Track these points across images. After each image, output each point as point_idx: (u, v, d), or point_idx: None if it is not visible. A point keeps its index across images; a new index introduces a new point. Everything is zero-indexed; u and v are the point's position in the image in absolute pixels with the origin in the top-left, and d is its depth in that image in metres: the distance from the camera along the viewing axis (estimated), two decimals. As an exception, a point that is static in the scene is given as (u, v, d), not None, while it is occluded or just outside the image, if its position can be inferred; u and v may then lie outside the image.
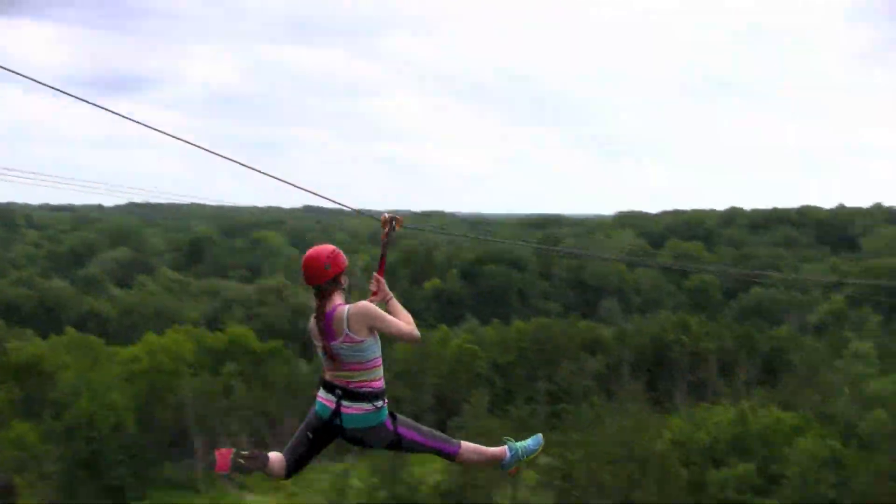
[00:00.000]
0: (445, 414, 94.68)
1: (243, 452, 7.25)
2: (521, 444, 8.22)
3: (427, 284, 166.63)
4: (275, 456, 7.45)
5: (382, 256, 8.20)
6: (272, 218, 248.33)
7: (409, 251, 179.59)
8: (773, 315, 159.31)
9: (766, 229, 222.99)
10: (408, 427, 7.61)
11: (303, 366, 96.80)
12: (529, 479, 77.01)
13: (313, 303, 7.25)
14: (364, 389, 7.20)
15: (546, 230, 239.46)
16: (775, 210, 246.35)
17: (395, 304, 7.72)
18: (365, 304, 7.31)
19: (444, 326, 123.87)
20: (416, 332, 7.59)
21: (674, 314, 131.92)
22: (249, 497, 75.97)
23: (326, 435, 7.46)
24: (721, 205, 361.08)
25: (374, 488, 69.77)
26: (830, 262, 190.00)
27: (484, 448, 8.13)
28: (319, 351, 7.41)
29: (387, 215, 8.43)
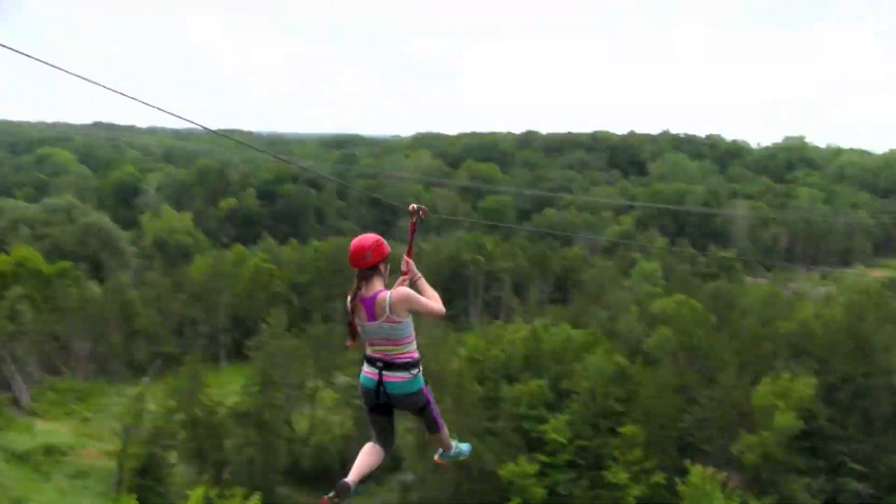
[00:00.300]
0: (242, 334, 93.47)
1: (333, 497, 8.63)
2: (463, 446, 9.30)
3: (222, 203, 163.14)
4: (365, 455, 9.08)
5: (411, 241, 8.90)
6: (60, 134, 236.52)
7: (204, 169, 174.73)
8: (565, 235, 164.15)
9: (560, 153, 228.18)
10: (431, 396, 8.63)
11: (93, 287, 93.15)
12: (328, 398, 77.09)
13: (353, 284, 8.11)
14: (401, 360, 8.16)
15: (344, 150, 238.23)
16: (570, 134, 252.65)
17: (424, 284, 8.67)
18: (405, 290, 8.18)
19: (239, 246, 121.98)
20: (443, 309, 8.63)
21: (469, 233, 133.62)
22: (40, 424, 72.69)
23: (383, 403, 8.49)
24: (517, 128, 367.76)
25: (170, 411, 67.98)
26: (621, 186, 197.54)
27: (447, 436, 9.17)
28: (367, 327, 8.19)
29: (414, 206, 9.15)
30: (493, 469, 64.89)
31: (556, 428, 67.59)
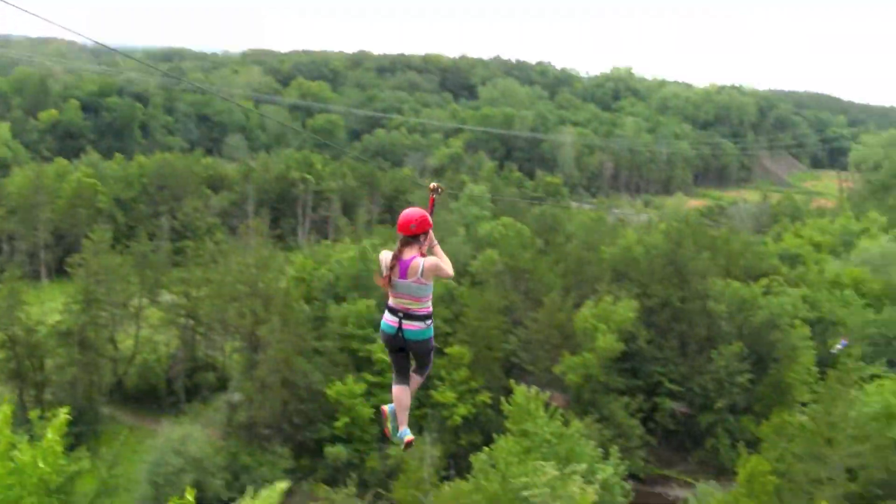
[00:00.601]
0: (63, 250, 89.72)
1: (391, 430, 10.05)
2: (403, 432, 10.01)
3: (43, 115, 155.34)
4: (398, 393, 9.94)
5: (430, 213, 9.88)
6: None
7: (22, 78, 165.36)
8: (395, 157, 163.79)
9: (391, 74, 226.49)
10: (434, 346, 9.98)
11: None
12: (153, 317, 74.98)
13: (397, 246, 9.38)
14: (418, 313, 9.44)
15: (172, 63, 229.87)
16: (402, 56, 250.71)
17: (439, 250, 9.88)
18: (435, 261, 9.46)
19: (61, 160, 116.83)
20: (452, 272, 9.72)
21: (298, 152, 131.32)
22: None
23: (401, 346, 9.68)
24: (349, 48, 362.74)
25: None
26: (451, 109, 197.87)
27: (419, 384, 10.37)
28: (395, 280, 9.37)
29: (433, 184, 10.57)
30: (320, 388, 64.46)
31: (382, 348, 67.31)
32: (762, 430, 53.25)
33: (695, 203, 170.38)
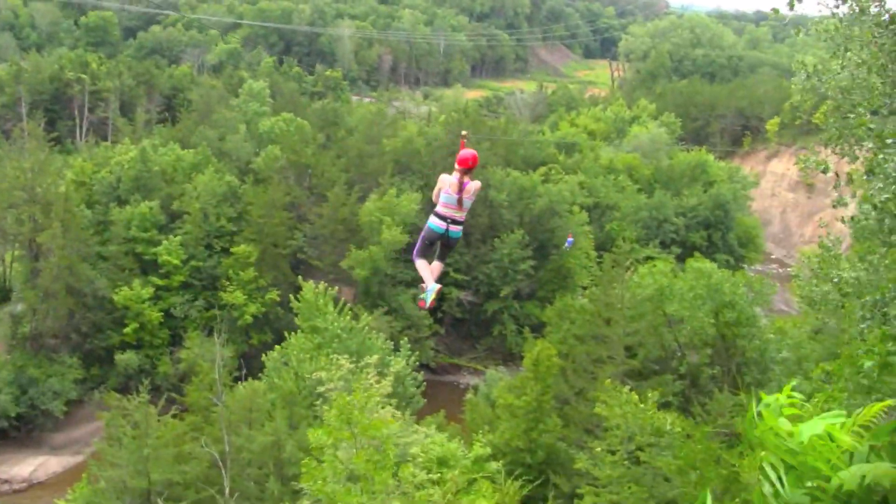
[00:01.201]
0: None
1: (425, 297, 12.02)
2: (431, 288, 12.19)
3: None
4: (436, 266, 12.26)
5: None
6: None
7: None
8: (172, 53, 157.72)
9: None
10: None
11: None
12: None
13: (460, 175, 11.41)
14: (460, 220, 11.76)
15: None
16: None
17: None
18: (478, 184, 11.93)
19: None
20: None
21: (72, 51, 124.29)
22: None
23: (443, 242, 11.99)
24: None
25: None
26: (227, 4, 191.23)
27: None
28: (447, 196, 11.56)
29: (464, 132, 13.77)
30: (107, 294, 62.47)
31: (169, 250, 65.79)
32: (546, 315, 55.31)
33: (473, 94, 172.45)
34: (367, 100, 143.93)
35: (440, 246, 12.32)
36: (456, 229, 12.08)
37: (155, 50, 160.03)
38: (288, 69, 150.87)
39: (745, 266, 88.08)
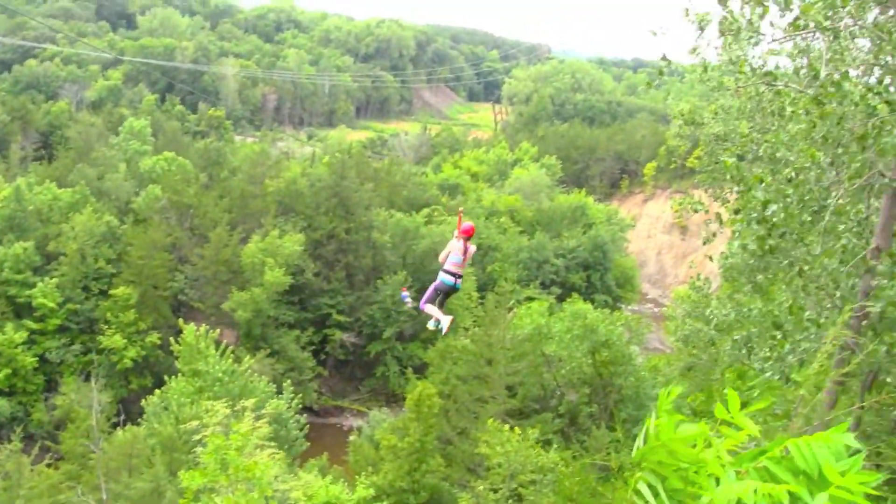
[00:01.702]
0: None
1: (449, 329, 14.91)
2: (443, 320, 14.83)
3: None
4: (443, 312, 14.65)
5: (460, 224, 14.70)
6: None
7: None
8: (49, 89, 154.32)
9: (43, 1, 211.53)
10: None
11: None
12: None
13: (463, 242, 14.16)
14: (461, 274, 14.46)
15: None
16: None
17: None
18: (474, 247, 14.68)
19: None
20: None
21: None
22: None
23: (448, 293, 14.71)
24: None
25: None
26: (108, 39, 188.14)
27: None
28: (455, 257, 14.29)
29: (460, 209, 16.78)
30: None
31: (44, 292, 64.05)
32: (428, 356, 55.89)
33: (357, 135, 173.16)
34: (250, 139, 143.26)
35: (443, 295, 15.29)
36: (460, 282, 15.15)
37: (31, 85, 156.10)
38: (170, 107, 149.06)
39: (623, 306, 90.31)
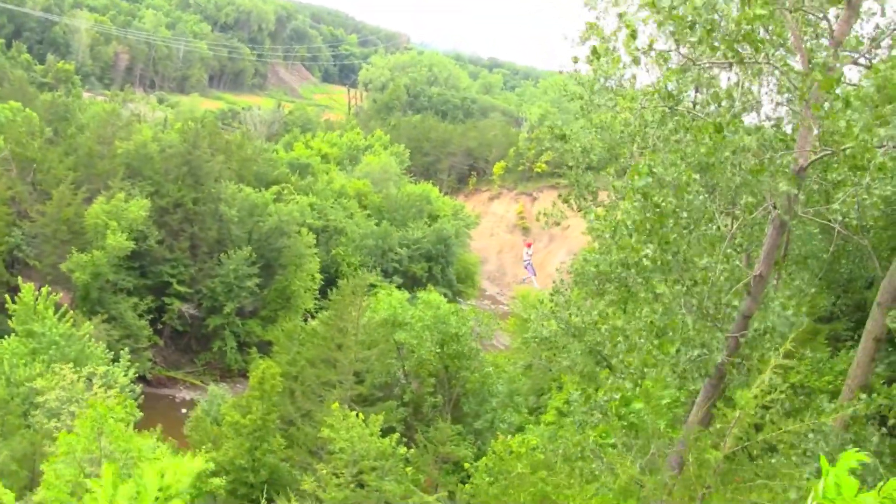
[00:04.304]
0: None
1: None
2: None
3: None
4: None
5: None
6: None
7: None
8: None
9: None
10: None
11: None
12: None
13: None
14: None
15: None
16: None
17: None
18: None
19: None
20: None
21: None
22: None
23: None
24: None
25: None
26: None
27: None
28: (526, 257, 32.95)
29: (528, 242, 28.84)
30: None
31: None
32: (274, 335, 55.73)
33: (209, 104, 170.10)
34: (99, 97, 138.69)
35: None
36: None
37: None
38: (16, 54, 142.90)
39: (461, 300, 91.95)
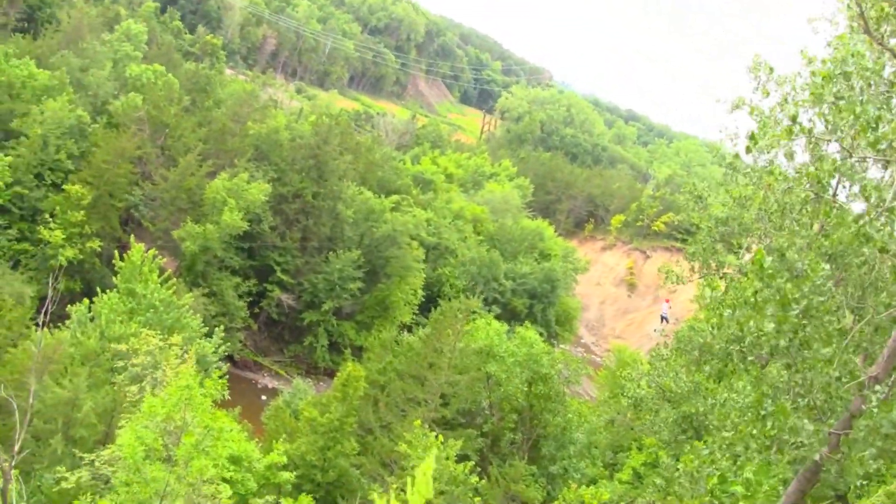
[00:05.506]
0: None
1: None
2: None
3: None
4: None
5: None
6: None
7: None
8: None
9: None
10: None
11: None
12: None
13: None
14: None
15: None
16: None
17: None
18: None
19: None
20: None
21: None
22: None
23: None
24: None
25: None
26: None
27: None
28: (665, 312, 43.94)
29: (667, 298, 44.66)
30: None
31: (-7, 166, 61.35)
32: (368, 341, 54.85)
33: (345, 103, 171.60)
34: (241, 77, 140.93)
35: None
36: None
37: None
38: (168, 20, 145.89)
39: (555, 343, 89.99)
